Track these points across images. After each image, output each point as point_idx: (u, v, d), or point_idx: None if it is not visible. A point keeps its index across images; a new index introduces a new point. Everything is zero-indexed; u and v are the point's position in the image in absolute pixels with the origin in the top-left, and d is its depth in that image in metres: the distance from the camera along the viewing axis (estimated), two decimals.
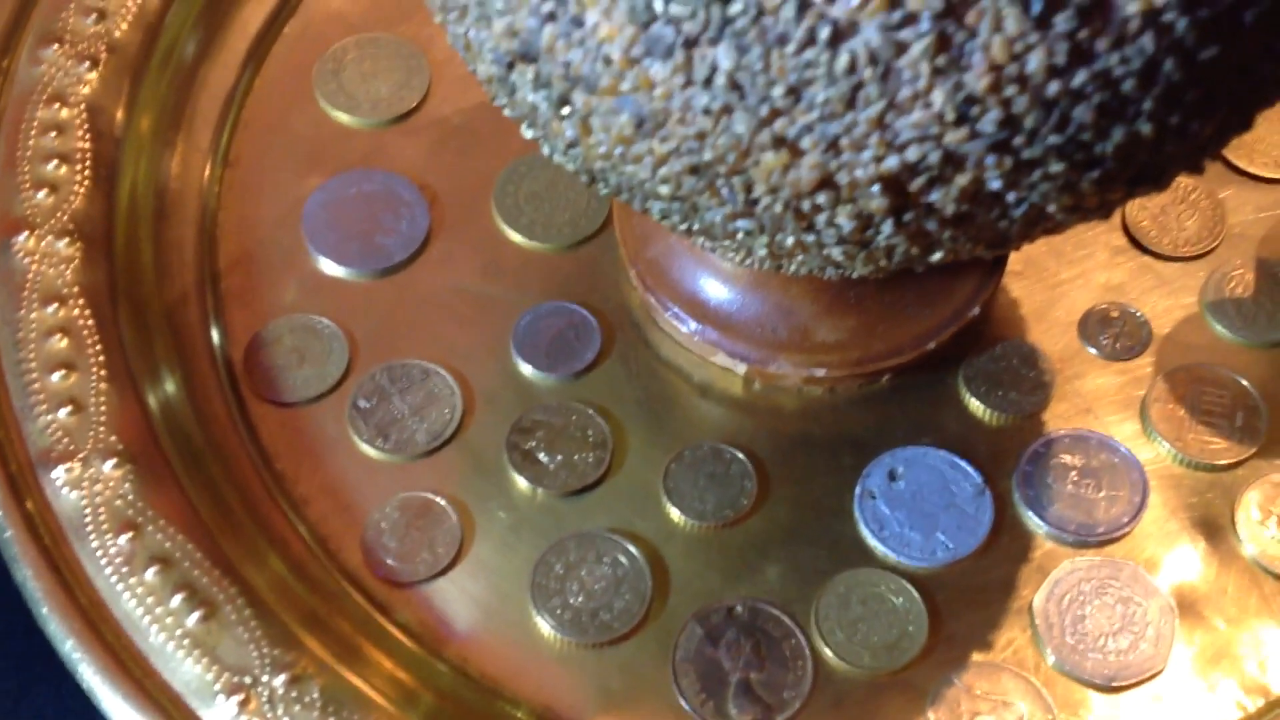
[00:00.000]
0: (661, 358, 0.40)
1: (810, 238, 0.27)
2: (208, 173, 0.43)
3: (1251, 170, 0.42)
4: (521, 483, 0.38)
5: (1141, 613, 0.35)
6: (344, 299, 0.41)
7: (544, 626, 0.36)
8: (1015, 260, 0.41)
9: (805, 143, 0.24)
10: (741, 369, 0.39)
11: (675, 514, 0.37)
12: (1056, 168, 0.24)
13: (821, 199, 0.25)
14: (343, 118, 0.44)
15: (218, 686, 0.32)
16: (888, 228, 0.26)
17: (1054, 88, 0.23)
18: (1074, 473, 0.37)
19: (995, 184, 0.24)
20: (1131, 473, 0.37)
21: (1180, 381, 0.39)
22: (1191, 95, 0.24)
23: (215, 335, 0.40)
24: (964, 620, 0.36)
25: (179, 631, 0.32)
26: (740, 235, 0.28)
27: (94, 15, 0.41)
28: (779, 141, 0.24)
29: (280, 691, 0.32)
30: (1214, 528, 0.37)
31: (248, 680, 0.32)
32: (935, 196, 0.25)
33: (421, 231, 0.42)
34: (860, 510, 0.37)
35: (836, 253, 0.27)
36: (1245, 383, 0.38)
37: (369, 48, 0.45)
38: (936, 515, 0.37)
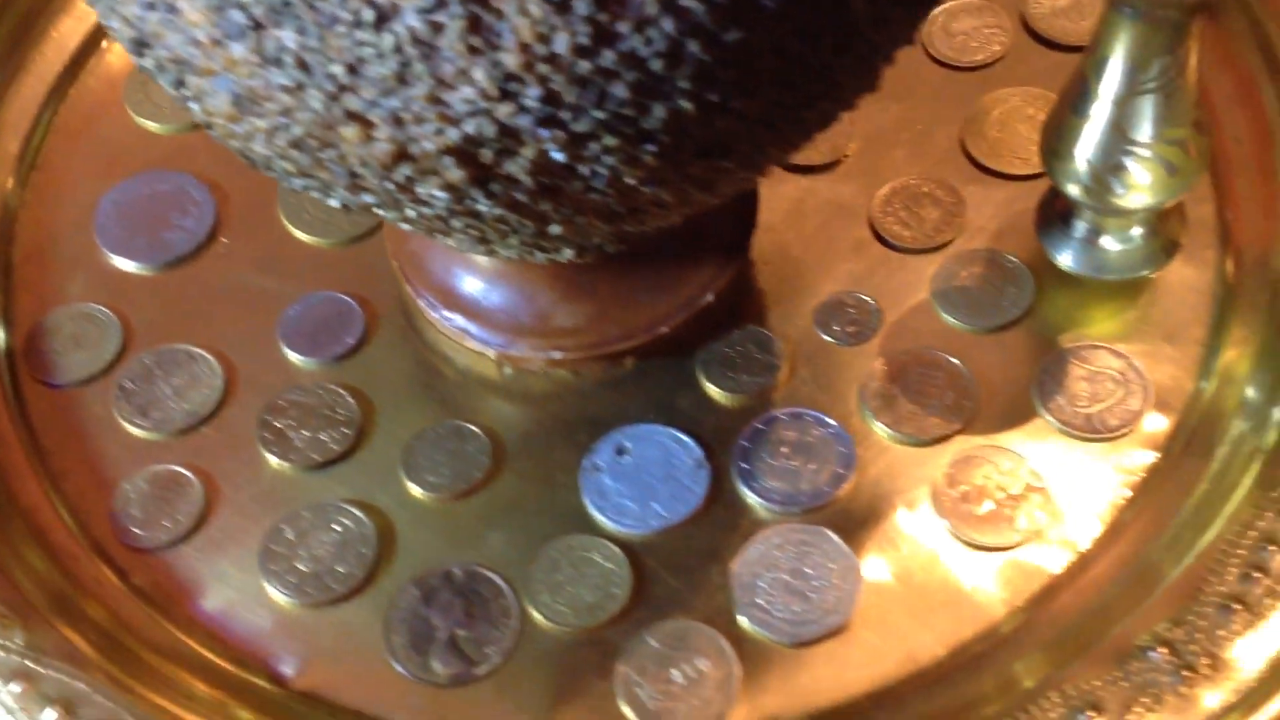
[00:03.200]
0: (426, 344, 0.43)
1: (427, 210, 0.29)
2: (13, 177, 0.46)
3: (995, 167, 0.44)
4: (270, 458, 0.40)
5: (830, 574, 0.37)
6: (127, 290, 0.44)
7: (270, 589, 0.38)
8: (765, 251, 0.44)
9: (373, 116, 0.26)
10: (491, 353, 0.41)
11: (411, 486, 0.40)
12: (611, 141, 0.27)
13: (407, 170, 0.27)
14: (149, 125, 0.47)
15: None
16: (482, 199, 0.28)
17: (585, 66, 0.25)
18: (786, 448, 0.40)
19: (559, 156, 0.27)
20: (840, 447, 0.39)
21: (899, 364, 0.41)
22: (727, 75, 0.26)
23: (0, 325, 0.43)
24: (667, 584, 0.38)
25: None
26: (375, 210, 0.30)
27: None
28: (351, 115, 0.26)
29: None
30: (913, 499, 0.39)
31: None
32: (510, 168, 0.27)
33: (207, 228, 0.45)
34: (584, 482, 0.39)
35: (458, 224, 0.30)
36: (959, 364, 0.41)
37: None
38: (655, 486, 0.39)
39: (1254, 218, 0.42)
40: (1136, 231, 0.41)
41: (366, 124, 0.26)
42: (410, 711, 0.36)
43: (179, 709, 0.36)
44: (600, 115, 0.26)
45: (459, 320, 0.41)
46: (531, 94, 0.25)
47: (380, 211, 0.30)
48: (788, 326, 0.42)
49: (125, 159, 0.46)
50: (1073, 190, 0.40)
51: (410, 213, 0.29)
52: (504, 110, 0.26)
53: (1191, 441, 0.38)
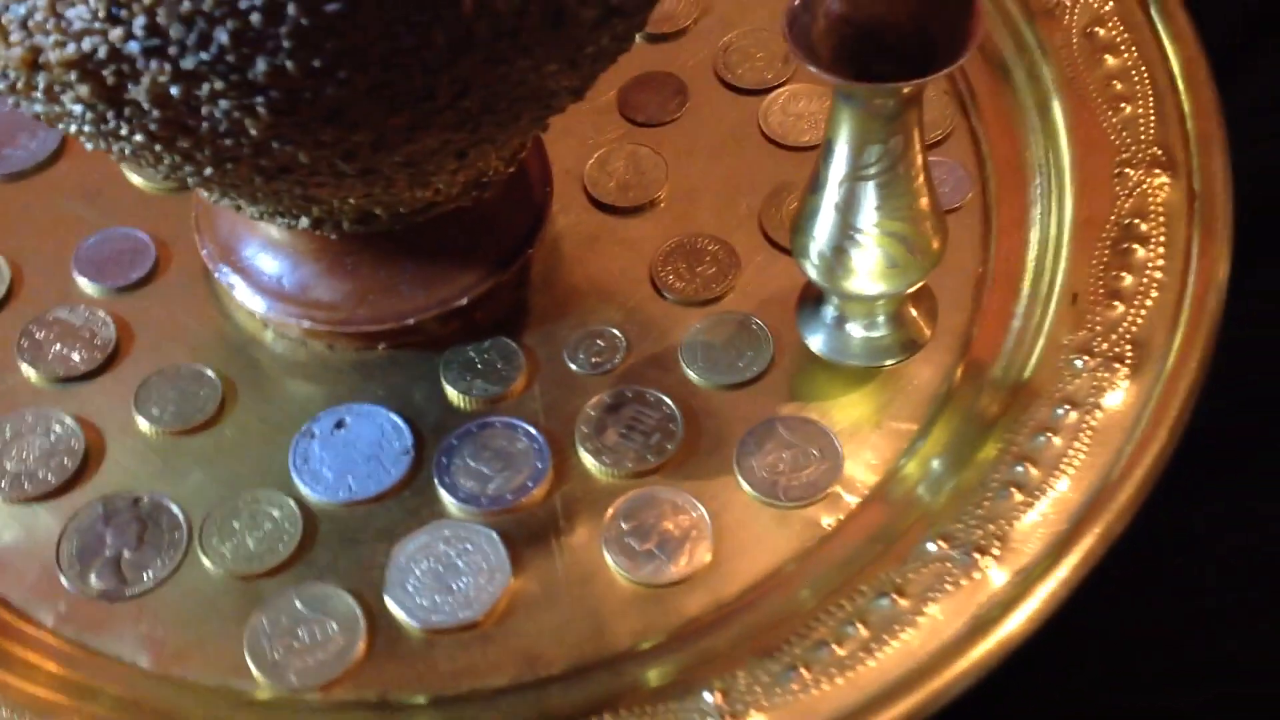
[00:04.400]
0: (210, 295, 0.45)
1: (84, 127, 0.31)
2: None
3: (781, 242, 0.46)
4: (21, 364, 0.43)
5: (479, 574, 0.39)
6: None
7: None
8: (547, 274, 0.45)
9: (6, 20, 0.29)
10: (255, 312, 0.44)
11: (136, 415, 0.42)
12: (220, 85, 0.29)
13: (44, 79, 0.30)
14: None
15: None
16: (119, 122, 0.30)
17: (187, 6, 0.27)
18: (489, 452, 0.41)
19: (174, 90, 0.29)
20: (538, 462, 0.41)
21: (622, 399, 0.42)
22: (330, 44, 0.28)
23: None
24: (332, 552, 0.40)
25: None
26: (55, 125, 0.33)
27: None
28: None
29: None
30: (586, 524, 0.40)
31: None
32: (135, 94, 0.29)
33: (47, 153, 0.48)
34: (294, 444, 0.41)
35: (118, 149, 0.32)
36: (675, 410, 0.42)
37: None
38: (357, 463, 0.41)
39: (993, 334, 0.43)
40: (881, 322, 0.42)
41: (2, 28, 0.29)
42: (53, 613, 0.39)
43: None
44: (205, 57, 0.28)
45: (230, 275, 0.44)
46: (138, 23, 0.28)
47: (62, 128, 0.33)
48: (539, 346, 0.44)
49: None
50: (807, 269, 0.41)
51: (72, 128, 0.32)
52: (115, 34, 0.28)
53: (860, 511, 0.39)
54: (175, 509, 0.40)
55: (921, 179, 0.39)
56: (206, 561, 0.39)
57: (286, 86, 0.29)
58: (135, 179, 0.48)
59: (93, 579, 0.39)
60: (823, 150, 0.39)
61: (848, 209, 0.39)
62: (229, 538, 0.39)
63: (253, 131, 0.30)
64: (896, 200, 0.39)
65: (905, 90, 0.36)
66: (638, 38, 0.49)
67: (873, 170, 0.38)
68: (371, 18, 0.28)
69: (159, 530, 0.40)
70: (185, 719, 0.37)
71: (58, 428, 0.41)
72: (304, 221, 0.39)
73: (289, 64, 0.28)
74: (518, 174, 0.45)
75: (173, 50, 0.28)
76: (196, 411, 0.42)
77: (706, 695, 0.35)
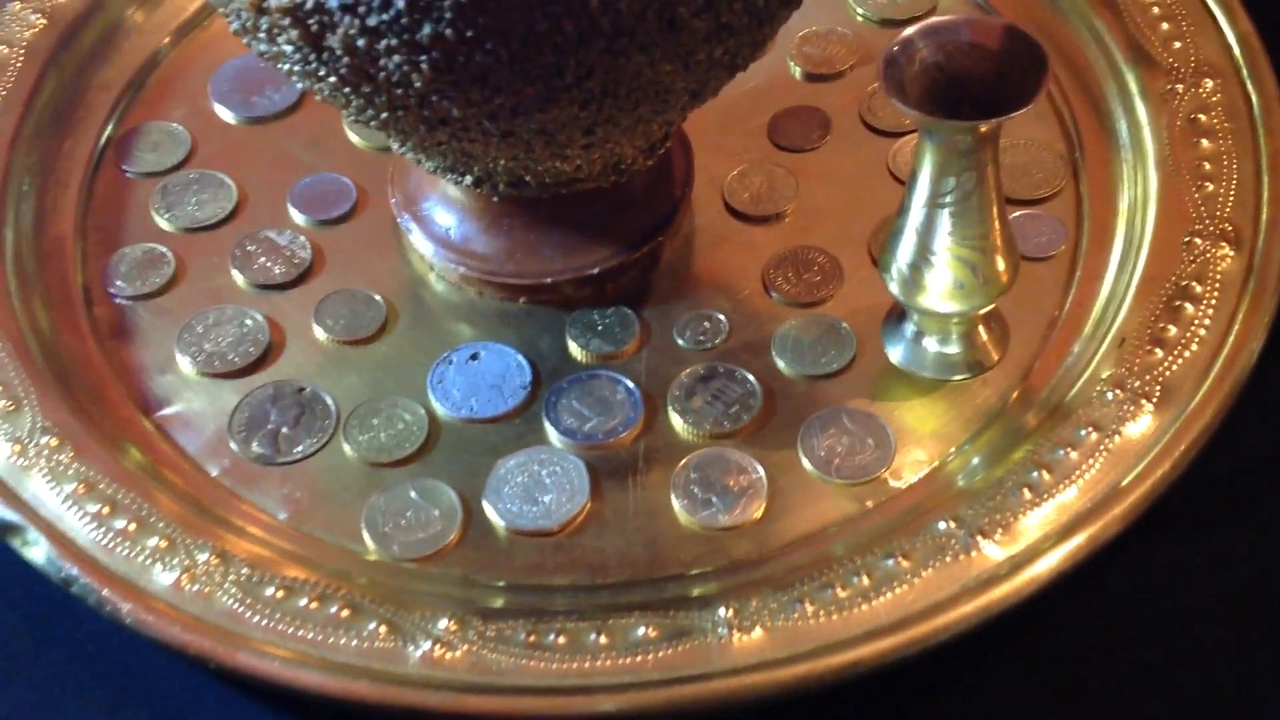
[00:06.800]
0: (395, 237, 0.53)
1: (295, 67, 0.40)
2: (170, 35, 0.59)
3: None
4: (233, 270, 0.52)
5: (563, 494, 0.46)
6: (210, 126, 0.57)
7: (179, 355, 0.49)
8: (676, 262, 0.52)
9: None
10: (423, 256, 0.52)
11: (314, 323, 0.50)
12: (393, 41, 0.37)
13: (264, 22, 0.38)
14: None
15: None
16: (318, 62, 0.38)
17: None
18: (591, 398, 0.48)
19: (360, 41, 0.37)
20: (632, 413, 0.48)
21: (713, 371, 0.49)
22: (481, 19, 0.36)
23: (111, 126, 0.56)
24: (448, 456, 0.47)
25: None
26: (279, 66, 0.41)
27: None
28: None
29: None
30: (661, 469, 0.46)
31: None
32: (331, 42, 0.37)
33: (287, 105, 0.57)
34: (434, 367, 0.49)
35: (322, 89, 0.40)
36: (757, 389, 0.48)
37: None
38: (482, 389, 0.49)
39: (1050, 367, 0.48)
40: (954, 339, 0.48)
41: None
42: (219, 467, 0.47)
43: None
44: (385, 18, 0.36)
45: (409, 222, 0.52)
46: None
47: (279, 66, 0.41)
48: (654, 320, 0.51)
49: None
50: (888, 282, 0.47)
51: (285, 66, 0.40)
52: None
53: (899, 495, 0.45)
54: (330, 401, 0.48)
55: (994, 215, 0.44)
56: (346, 447, 0.47)
57: (445, 49, 0.37)
58: (353, 137, 0.56)
59: (254, 445, 0.47)
60: (909, 179, 0.45)
61: (925, 232, 0.45)
62: (367, 430, 0.47)
63: (417, 84, 0.38)
64: (967, 230, 0.44)
65: (977, 128, 0.42)
66: (797, 74, 0.56)
67: (948, 199, 0.44)
68: (514, 3, 0.36)
69: (313, 416, 0.48)
70: (310, 562, 0.44)
71: (249, 322, 0.50)
72: (468, 179, 0.47)
73: (448, 31, 0.36)
74: (662, 170, 0.52)
75: (361, 9, 0.36)
76: (362, 328, 0.50)
77: (721, 610, 0.41)
